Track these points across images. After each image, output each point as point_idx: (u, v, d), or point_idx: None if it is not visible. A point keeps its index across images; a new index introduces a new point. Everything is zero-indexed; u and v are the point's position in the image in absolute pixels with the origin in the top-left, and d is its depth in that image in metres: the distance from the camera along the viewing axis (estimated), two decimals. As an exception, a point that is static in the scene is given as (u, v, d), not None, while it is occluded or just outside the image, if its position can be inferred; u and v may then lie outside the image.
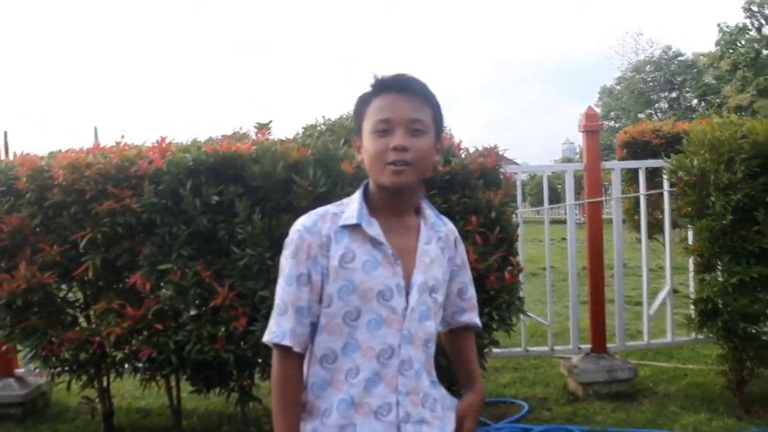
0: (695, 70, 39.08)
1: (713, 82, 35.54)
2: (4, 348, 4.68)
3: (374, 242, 1.81)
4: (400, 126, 1.76)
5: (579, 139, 47.11)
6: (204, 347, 3.72)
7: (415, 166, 1.77)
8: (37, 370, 4.30)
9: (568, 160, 43.79)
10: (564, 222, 5.92)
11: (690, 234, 5.30)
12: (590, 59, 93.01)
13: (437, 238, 1.92)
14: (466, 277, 2.09)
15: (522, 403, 4.93)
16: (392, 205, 1.85)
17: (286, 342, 1.80)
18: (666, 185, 5.47)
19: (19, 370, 5.32)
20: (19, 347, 4.31)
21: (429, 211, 1.94)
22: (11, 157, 4.43)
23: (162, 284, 3.82)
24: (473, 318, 2.12)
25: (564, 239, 7.85)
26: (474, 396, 2.10)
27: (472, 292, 2.12)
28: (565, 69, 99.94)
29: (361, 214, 1.82)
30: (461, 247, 2.05)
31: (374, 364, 1.79)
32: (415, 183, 1.82)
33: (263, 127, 4.85)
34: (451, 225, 2.02)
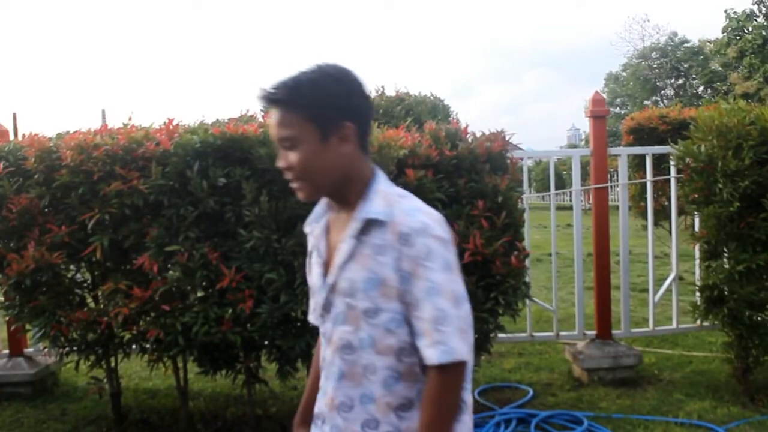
0: (701, 57, 38.84)
1: (720, 69, 35.32)
2: (13, 327, 4.73)
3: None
4: (278, 145, 1.72)
5: (585, 126, 46.87)
6: (211, 329, 3.74)
7: (304, 179, 1.70)
8: (45, 350, 4.33)
9: (574, 146, 43.75)
10: (569, 208, 5.92)
11: (696, 221, 5.29)
12: (596, 45, 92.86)
13: (365, 222, 1.67)
14: (417, 288, 1.62)
15: (526, 388, 4.95)
16: (332, 202, 1.82)
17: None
18: (673, 171, 5.45)
19: (28, 350, 5.37)
20: (28, 327, 4.33)
21: (370, 203, 1.69)
22: (20, 138, 4.44)
23: (169, 266, 3.83)
24: (424, 347, 1.63)
25: (569, 225, 7.83)
26: None
27: (426, 313, 1.62)
28: (570, 55, 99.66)
29: (317, 211, 1.86)
30: (413, 249, 1.61)
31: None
32: (320, 189, 1.73)
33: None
34: (401, 218, 1.64)
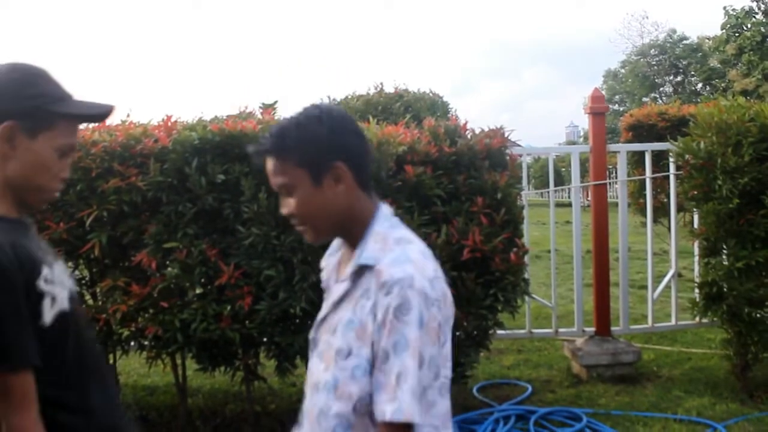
0: (700, 54, 38.83)
1: (718, 66, 35.30)
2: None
3: None
4: (279, 193, 1.72)
5: (583, 122, 46.97)
6: (209, 326, 3.73)
7: (308, 222, 1.70)
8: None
9: (573, 143, 43.71)
10: (568, 205, 5.93)
11: (695, 218, 5.29)
12: (595, 43, 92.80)
13: (358, 276, 1.66)
14: (386, 340, 1.56)
15: (525, 385, 4.95)
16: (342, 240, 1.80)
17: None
18: (672, 168, 5.45)
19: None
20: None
21: (364, 246, 1.67)
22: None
23: (167, 262, 3.82)
24: (381, 402, 1.55)
25: (568, 222, 7.83)
26: None
27: (390, 368, 1.55)
28: (569, 52, 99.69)
29: (333, 246, 1.87)
30: (389, 300, 1.55)
31: None
32: (322, 232, 1.72)
33: (269, 107, 4.84)
34: (386, 266, 1.60)
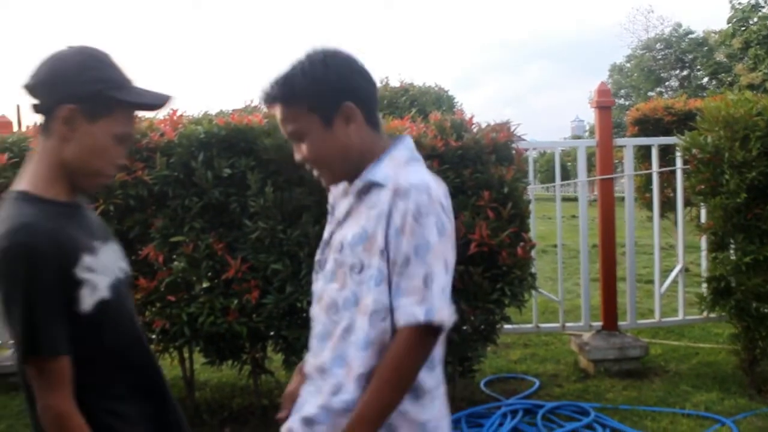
0: (706, 48, 38.66)
1: (725, 60, 35.15)
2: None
3: None
4: (290, 140, 1.74)
5: (588, 117, 46.80)
6: (217, 319, 3.74)
7: (321, 167, 1.72)
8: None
9: (578, 138, 43.58)
10: (573, 200, 5.91)
11: (703, 212, 5.27)
12: (600, 37, 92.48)
13: (366, 184, 1.67)
14: (407, 245, 1.57)
15: (533, 379, 4.94)
16: None
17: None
18: (679, 162, 5.42)
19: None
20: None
21: (378, 166, 1.68)
22: (24, 129, 4.42)
23: (174, 256, 3.82)
24: (406, 305, 1.57)
25: (574, 217, 7.81)
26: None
27: (415, 272, 1.56)
28: (574, 47, 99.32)
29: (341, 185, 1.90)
30: (408, 204, 1.57)
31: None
32: (339, 173, 1.73)
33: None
34: (403, 176, 1.62)
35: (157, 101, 1.72)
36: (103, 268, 1.66)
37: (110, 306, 1.66)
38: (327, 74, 1.65)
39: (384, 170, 1.66)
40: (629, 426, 4.03)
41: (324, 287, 1.73)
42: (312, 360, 1.76)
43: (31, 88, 1.63)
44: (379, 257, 1.60)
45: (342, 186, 1.82)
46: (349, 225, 1.69)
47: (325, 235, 1.81)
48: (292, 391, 1.87)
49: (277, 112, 1.69)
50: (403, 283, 1.57)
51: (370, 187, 1.66)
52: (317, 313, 1.76)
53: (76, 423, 1.56)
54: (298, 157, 1.73)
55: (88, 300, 1.60)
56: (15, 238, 1.51)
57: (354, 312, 1.64)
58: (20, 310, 1.51)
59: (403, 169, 1.66)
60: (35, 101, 1.64)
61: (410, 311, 1.55)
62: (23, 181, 1.66)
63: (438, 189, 1.64)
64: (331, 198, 1.87)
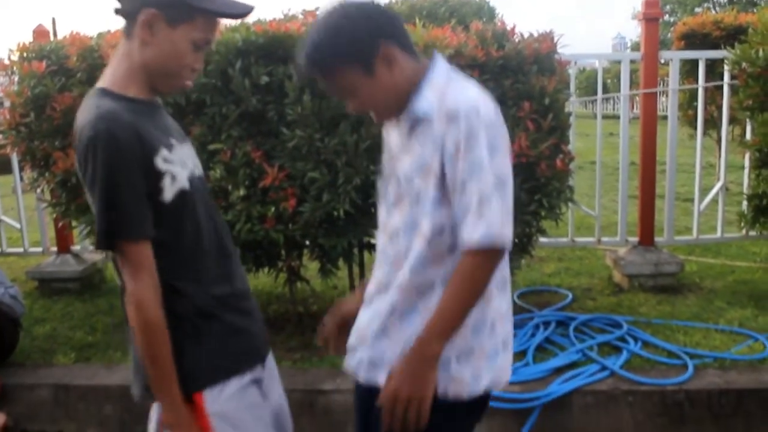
0: (759, -39, 36.97)
1: (778, -26, 33.62)
2: (60, 224, 4.82)
3: None
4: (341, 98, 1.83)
5: (631, 34, 45.29)
6: (254, 227, 3.77)
7: (374, 109, 1.78)
8: (92, 247, 4.43)
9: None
10: (613, 117, 5.78)
11: (748, 129, 5.13)
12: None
13: (414, 120, 1.72)
14: (460, 169, 1.62)
15: (566, 292, 4.95)
16: None
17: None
18: (726, 78, 5.26)
19: (75, 247, 5.49)
20: (74, 224, 4.41)
21: (420, 97, 1.71)
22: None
23: (211, 164, 3.84)
24: (466, 227, 1.62)
25: (612, 134, 7.67)
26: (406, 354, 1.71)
27: (470, 193, 1.61)
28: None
29: None
30: (459, 128, 1.61)
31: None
32: (392, 110, 1.77)
33: (311, 13, 4.76)
34: (450, 99, 1.66)
35: (237, 10, 1.75)
36: (181, 161, 1.75)
37: (192, 197, 1.75)
38: (351, 28, 1.68)
39: (427, 100, 1.70)
40: (662, 339, 4.04)
41: (387, 216, 1.83)
42: (377, 282, 1.85)
43: None
44: (436, 184, 1.67)
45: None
46: (405, 157, 1.75)
47: (383, 166, 1.88)
48: (349, 307, 2.01)
49: (321, 80, 1.75)
50: (462, 207, 1.63)
51: (417, 121, 1.71)
52: (382, 243, 1.85)
53: (153, 315, 1.63)
54: (350, 108, 1.79)
55: (169, 190, 1.69)
56: (99, 126, 1.59)
57: (412, 236, 1.73)
58: (106, 194, 1.59)
59: (448, 91, 1.69)
60: (118, 5, 1.70)
61: (468, 235, 1.62)
62: (104, 80, 1.75)
63: (486, 106, 1.67)
64: (384, 132, 1.92)
